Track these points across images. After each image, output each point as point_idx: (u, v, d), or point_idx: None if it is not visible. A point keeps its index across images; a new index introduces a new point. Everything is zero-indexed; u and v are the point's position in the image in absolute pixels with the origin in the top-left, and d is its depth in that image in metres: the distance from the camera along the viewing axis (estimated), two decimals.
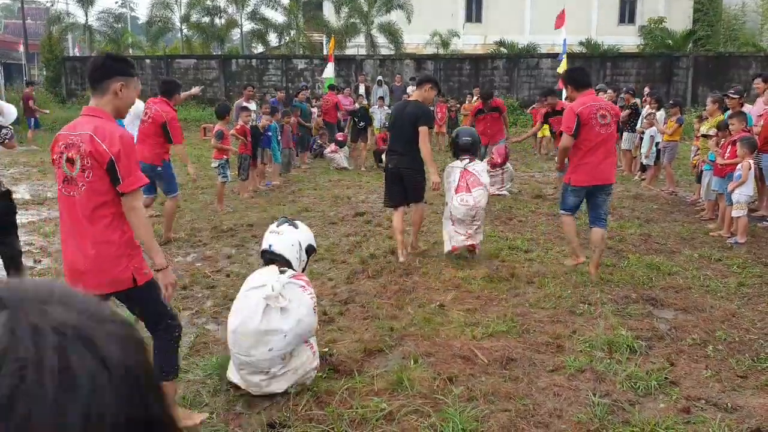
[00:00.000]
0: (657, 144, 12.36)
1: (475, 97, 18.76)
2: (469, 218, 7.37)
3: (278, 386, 4.24)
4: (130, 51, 34.43)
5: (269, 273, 4.33)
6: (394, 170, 7.37)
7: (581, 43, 30.90)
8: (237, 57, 30.40)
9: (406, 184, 7.34)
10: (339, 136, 15.88)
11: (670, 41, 30.27)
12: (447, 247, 7.48)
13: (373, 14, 31.31)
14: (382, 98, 19.31)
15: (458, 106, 18.95)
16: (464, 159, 7.60)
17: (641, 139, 12.90)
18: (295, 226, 4.65)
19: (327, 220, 9.49)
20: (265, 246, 4.55)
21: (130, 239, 3.51)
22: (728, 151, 9.14)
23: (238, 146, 10.95)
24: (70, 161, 3.40)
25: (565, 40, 16.09)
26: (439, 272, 7.01)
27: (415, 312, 5.83)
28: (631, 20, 38.00)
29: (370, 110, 17.62)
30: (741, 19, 31.61)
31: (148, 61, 30.26)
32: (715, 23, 31.04)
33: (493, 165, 10.83)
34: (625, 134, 13.82)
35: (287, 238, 4.52)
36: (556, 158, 9.66)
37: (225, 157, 10.29)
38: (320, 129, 16.50)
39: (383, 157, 13.59)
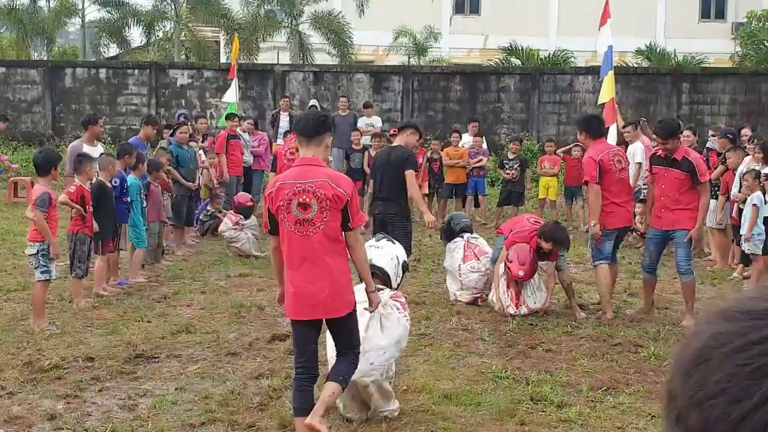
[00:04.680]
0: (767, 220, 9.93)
1: (467, 138, 15.16)
2: (481, 284, 8.58)
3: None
4: None
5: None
6: (380, 216, 8.39)
7: (640, 52, 23.84)
8: (74, 65, 23.42)
9: (391, 232, 7.83)
10: (241, 197, 12.28)
11: None
12: (452, 297, 8.83)
13: None
14: None
15: (440, 152, 15.28)
16: (464, 235, 9.02)
17: (740, 212, 10.30)
18: (393, 242, 5.89)
19: (222, 348, 7.40)
20: None
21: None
22: None
23: (72, 220, 8.87)
24: (303, 205, 4.51)
25: (610, 47, 11.99)
26: None
27: None
28: (720, 15, 29.88)
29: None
30: None
31: None
32: None
33: (515, 277, 8.49)
34: (712, 204, 10.43)
35: (387, 252, 5.68)
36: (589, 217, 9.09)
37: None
38: (213, 187, 13.21)
39: None
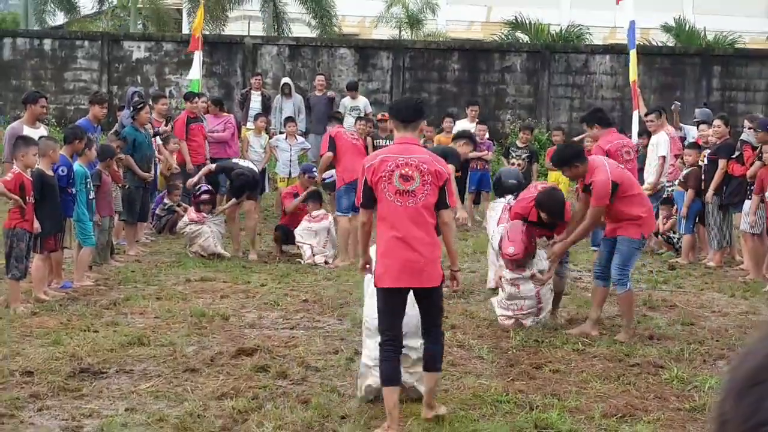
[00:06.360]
0: None
1: (463, 124, 14.37)
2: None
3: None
4: None
5: None
6: None
7: (666, 29, 22.70)
8: (14, 34, 22.34)
9: None
10: (197, 192, 11.73)
11: None
12: (490, 284, 9.00)
13: None
14: (291, 119, 13.73)
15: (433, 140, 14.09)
16: (508, 196, 9.13)
17: None
18: None
19: (180, 363, 7.16)
20: None
21: None
22: None
23: (9, 213, 8.68)
24: (405, 177, 4.96)
25: (632, 22, 11.99)
26: None
27: None
28: None
29: (270, 141, 13.75)
30: None
31: None
32: None
33: (505, 255, 8.11)
34: (745, 205, 10.37)
35: None
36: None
37: None
38: (171, 177, 12.65)
39: (296, 235, 11.47)
